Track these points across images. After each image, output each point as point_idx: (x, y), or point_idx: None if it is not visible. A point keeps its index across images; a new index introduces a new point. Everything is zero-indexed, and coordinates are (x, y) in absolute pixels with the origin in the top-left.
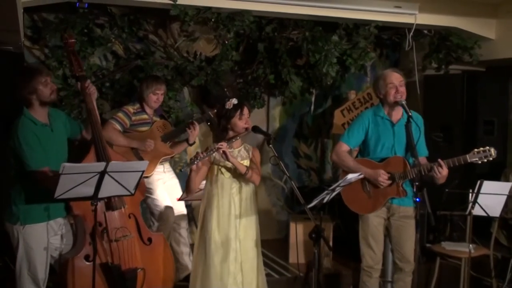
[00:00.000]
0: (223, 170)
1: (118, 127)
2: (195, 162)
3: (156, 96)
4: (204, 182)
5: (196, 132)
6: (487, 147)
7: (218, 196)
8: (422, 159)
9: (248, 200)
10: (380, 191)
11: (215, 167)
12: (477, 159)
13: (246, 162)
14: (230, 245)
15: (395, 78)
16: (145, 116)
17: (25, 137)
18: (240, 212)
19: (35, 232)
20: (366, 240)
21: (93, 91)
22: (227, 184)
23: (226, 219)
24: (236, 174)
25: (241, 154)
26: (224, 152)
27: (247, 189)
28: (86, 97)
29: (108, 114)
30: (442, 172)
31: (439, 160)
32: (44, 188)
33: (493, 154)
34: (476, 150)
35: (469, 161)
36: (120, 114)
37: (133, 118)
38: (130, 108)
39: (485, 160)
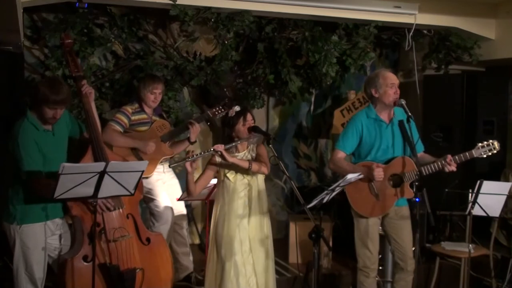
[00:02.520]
0: (229, 175)
1: (118, 128)
2: (188, 160)
3: (153, 95)
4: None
5: (197, 130)
6: (490, 141)
7: (227, 201)
8: (421, 155)
9: (258, 198)
10: (388, 193)
11: (221, 172)
12: (482, 153)
13: None
14: (242, 247)
15: (394, 79)
16: (144, 116)
17: (24, 143)
18: (249, 211)
19: (32, 232)
20: (362, 240)
21: (88, 91)
22: (235, 188)
23: (237, 221)
24: (243, 175)
25: (246, 157)
26: (220, 152)
27: (257, 188)
28: (83, 97)
29: (108, 114)
30: (452, 169)
31: (449, 156)
32: (37, 192)
33: (496, 146)
34: (480, 144)
35: (475, 155)
36: (119, 115)
37: (132, 118)
38: (129, 108)
39: (490, 154)
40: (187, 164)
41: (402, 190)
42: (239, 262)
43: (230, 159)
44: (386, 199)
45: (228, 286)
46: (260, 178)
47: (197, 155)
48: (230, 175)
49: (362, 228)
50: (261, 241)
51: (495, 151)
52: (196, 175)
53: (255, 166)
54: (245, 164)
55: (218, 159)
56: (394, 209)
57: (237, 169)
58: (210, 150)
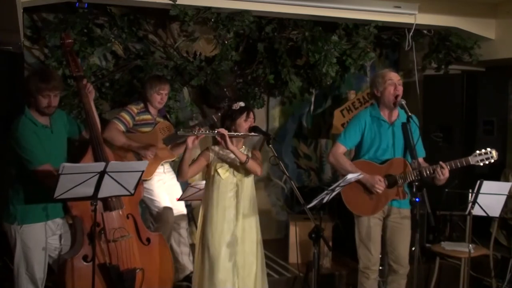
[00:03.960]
0: (220, 170)
1: (121, 127)
2: (195, 134)
3: (160, 96)
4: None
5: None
6: (489, 149)
7: (215, 199)
8: (420, 160)
9: (247, 201)
10: (382, 193)
11: (212, 167)
12: (478, 161)
13: None
14: (228, 250)
15: (394, 76)
16: (148, 117)
17: (26, 136)
18: (236, 214)
19: (33, 232)
20: (363, 241)
21: (91, 90)
22: (223, 186)
23: (224, 223)
24: (233, 173)
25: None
26: (223, 136)
27: (246, 191)
28: (83, 97)
29: (108, 114)
30: (444, 173)
31: (441, 162)
32: (46, 186)
33: (494, 156)
34: (477, 152)
35: (471, 163)
36: (124, 114)
37: (137, 118)
38: (134, 108)
39: (487, 162)
40: (190, 140)
41: (395, 191)
42: (227, 262)
43: (230, 146)
44: (379, 199)
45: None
46: (250, 180)
47: (203, 131)
48: (221, 170)
49: (363, 229)
50: (249, 244)
51: (492, 160)
52: (196, 176)
53: (251, 163)
54: (243, 157)
55: (212, 154)
56: (398, 211)
57: (230, 163)
58: (214, 131)
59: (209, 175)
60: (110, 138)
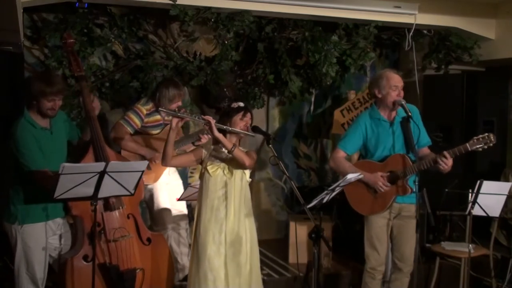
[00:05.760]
0: (209, 168)
1: (129, 130)
2: (178, 115)
3: (175, 104)
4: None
5: (205, 140)
6: (486, 134)
7: (204, 197)
8: (426, 150)
9: (239, 201)
10: (385, 190)
11: (203, 165)
12: (477, 146)
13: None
14: (217, 249)
15: (399, 82)
16: (158, 118)
17: (24, 139)
18: (227, 214)
19: (34, 231)
20: (371, 241)
21: (96, 105)
22: (213, 184)
23: (212, 222)
24: (223, 171)
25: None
26: (209, 123)
27: (237, 191)
28: (85, 97)
29: (108, 114)
30: (447, 162)
31: (444, 152)
32: (43, 188)
33: (492, 139)
34: (475, 138)
35: (469, 149)
36: (132, 115)
37: (146, 120)
38: (143, 109)
39: (486, 147)
40: (174, 121)
41: (398, 187)
42: (213, 263)
43: (216, 133)
44: (384, 197)
45: None
46: (243, 181)
47: (187, 113)
48: (211, 169)
49: (371, 229)
50: (242, 244)
51: (491, 144)
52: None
53: (238, 151)
54: (229, 145)
55: (205, 152)
56: (401, 207)
57: (220, 159)
58: (201, 117)
59: (201, 174)
60: (117, 141)
